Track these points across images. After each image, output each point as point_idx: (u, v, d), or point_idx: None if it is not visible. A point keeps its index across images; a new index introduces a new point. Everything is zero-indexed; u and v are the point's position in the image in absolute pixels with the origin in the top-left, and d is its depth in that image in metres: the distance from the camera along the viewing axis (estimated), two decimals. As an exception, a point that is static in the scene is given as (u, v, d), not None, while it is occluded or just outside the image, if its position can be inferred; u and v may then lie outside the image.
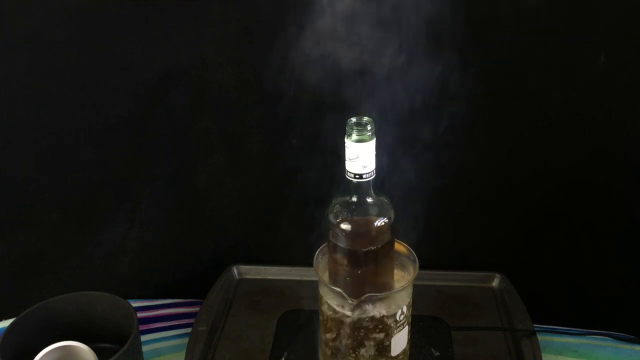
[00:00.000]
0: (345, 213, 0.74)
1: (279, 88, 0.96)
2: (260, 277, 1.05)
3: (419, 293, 0.79)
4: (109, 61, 0.94)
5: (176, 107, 0.98)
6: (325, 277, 0.77)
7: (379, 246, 0.74)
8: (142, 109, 0.98)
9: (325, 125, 0.91)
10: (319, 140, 0.94)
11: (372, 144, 0.70)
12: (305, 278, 1.01)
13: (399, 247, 0.79)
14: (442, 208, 1.00)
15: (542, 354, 0.87)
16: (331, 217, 0.74)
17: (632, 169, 0.97)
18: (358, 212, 0.74)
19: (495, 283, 1.01)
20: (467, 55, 0.89)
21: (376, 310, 0.74)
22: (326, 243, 0.77)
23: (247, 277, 1.05)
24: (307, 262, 0.79)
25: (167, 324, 1.05)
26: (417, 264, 0.77)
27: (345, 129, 0.70)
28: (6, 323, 0.94)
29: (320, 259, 0.78)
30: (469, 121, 0.94)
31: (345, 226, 0.74)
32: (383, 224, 0.74)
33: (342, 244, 0.74)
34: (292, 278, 1.04)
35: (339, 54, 0.86)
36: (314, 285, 0.79)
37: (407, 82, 0.87)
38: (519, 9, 0.87)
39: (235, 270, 1.05)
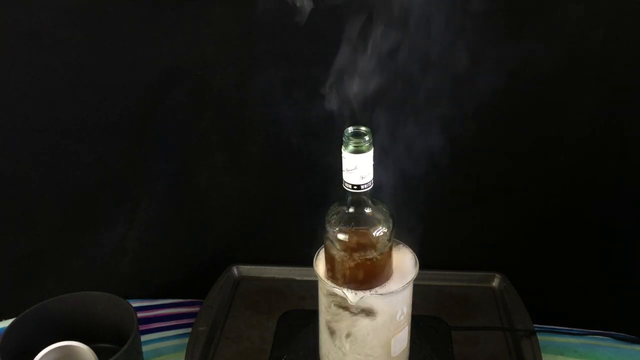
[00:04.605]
0: (343, 224, 0.73)
1: (279, 88, 0.96)
2: (260, 277, 1.05)
3: (419, 293, 0.79)
4: (109, 61, 0.94)
5: (176, 107, 0.98)
6: (325, 277, 0.77)
7: (378, 255, 0.74)
8: (142, 109, 0.98)
9: (325, 125, 0.91)
10: (320, 140, 0.94)
11: (370, 154, 0.69)
12: (305, 278, 1.01)
13: (399, 247, 0.79)
14: (442, 208, 1.00)
15: (542, 354, 0.87)
16: (328, 228, 0.74)
17: (632, 169, 0.97)
18: (356, 223, 0.73)
19: (495, 283, 1.01)
20: (470, 59, 0.89)
21: (376, 311, 0.74)
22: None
23: (247, 277, 1.05)
24: (307, 262, 0.79)
25: (167, 324, 1.05)
26: (417, 264, 0.77)
27: (342, 139, 0.69)
28: (6, 323, 0.94)
29: (320, 259, 0.78)
30: (470, 122, 0.94)
31: (342, 237, 0.73)
32: (381, 234, 0.74)
33: (339, 254, 0.74)
34: (292, 278, 1.04)
35: (340, 52, 0.86)
36: (314, 285, 0.79)
37: (410, 83, 0.87)
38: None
39: (235, 270, 1.05)
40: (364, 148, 0.69)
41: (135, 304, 0.96)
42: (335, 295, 0.75)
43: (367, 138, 0.69)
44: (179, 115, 0.99)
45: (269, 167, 1.03)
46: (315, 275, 0.77)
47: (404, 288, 0.75)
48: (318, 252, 0.79)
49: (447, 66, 0.87)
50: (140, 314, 0.96)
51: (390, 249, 0.76)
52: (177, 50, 0.94)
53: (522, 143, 0.97)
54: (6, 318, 1.05)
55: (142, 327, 1.01)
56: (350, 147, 0.69)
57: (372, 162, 0.70)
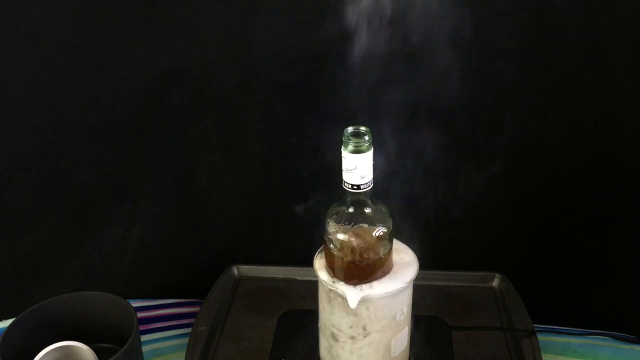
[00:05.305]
0: (343, 224, 0.73)
1: (279, 88, 0.96)
2: (260, 277, 1.05)
3: (419, 293, 0.79)
4: (109, 61, 0.94)
5: (176, 107, 0.98)
6: (325, 277, 0.77)
7: (377, 255, 0.74)
8: (142, 109, 0.98)
9: (325, 125, 0.91)
10: (319, 140, 0.94)
11: (369, 154, 0.69)
12: (305, 278, 1.01)
13: (399, 247, 0.79)
14: (442, 208, 1.00)
15: (542, 354, 0.87)
16: (328, 227, 0.74)
17: (632, 169, 0.97)
18: (355, 223, 0.73)
19: (495, 283, 1.01)
20: (468, 59, 0.89)
21: (376, 311, 0.74)
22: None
23: (247, 277, 1.05)
24: (307, 262, 0.79)
25: (167, 324, 1.05)
26: (417, 264, 0.77)
27: (342, 139, 0.69)
28: (6, 323, 0.94)
29: (320, 259, 0.78)
30: (470, 122, 0.94)
31: (342, 237, 0.73)
32: (381, 234, 0.74)
33: (339, 254, 0.74)
34: (292, 278, 1.03)
35: (340, 52, 0.86)
36: (314, 285, 0.79)
37: (411, 86, 0.87)
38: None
39: (235, 270, 1.05)
40: (363, 148, 0.69)
41: (135, 304, 0.96)
42: (335, 295, 0.75)
43: (367, 138, 0.69)
44: (179, 115, 0.99)
45: (269, 167, 1.03)
46: (315, 275, 0.77)
47: (404, 288, 0.75)
48: (318, 252, 0.79)
49: (449, 69, 0.87)
50: (140, 314, 0.96)
51: (390, 248, 0.76)
52: (177, 50, 0.94)
53: (522, 143, 0.97)
54: (6, 318, 1.05)
55: (142, 327, 1.01)
56: (350, 147, 0.69)
57: (372, 162, 0.70)
